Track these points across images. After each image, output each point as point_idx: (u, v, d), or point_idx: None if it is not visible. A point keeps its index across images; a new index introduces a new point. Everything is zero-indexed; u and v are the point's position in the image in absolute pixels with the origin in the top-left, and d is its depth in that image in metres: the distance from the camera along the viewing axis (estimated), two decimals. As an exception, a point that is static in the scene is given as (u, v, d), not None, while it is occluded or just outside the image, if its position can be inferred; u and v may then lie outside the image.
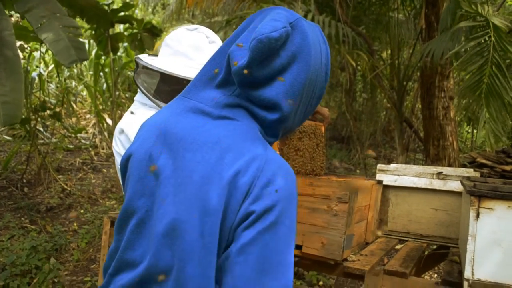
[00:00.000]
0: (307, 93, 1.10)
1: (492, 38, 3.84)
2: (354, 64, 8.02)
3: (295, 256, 2.04)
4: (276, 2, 6.95)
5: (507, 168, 8.19)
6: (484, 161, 8.46)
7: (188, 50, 1.72)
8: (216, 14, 10.69)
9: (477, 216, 1.70)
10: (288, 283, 0.93)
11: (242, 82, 1.03)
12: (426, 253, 2.43)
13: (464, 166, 7.43)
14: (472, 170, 2.69)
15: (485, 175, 7.71)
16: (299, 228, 1.98)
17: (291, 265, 0.95)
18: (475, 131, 9.47)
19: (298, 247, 2.00)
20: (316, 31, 1.15)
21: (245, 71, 1.00)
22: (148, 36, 7.09)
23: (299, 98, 1.08)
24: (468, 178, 2.35)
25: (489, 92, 3.75)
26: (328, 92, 13.46)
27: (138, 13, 13.47)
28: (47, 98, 8.02)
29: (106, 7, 6.53)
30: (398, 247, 3.32)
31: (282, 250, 0.93)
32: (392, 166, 2.66)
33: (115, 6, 7.94)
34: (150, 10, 14.56)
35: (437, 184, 2.54)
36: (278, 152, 2.07)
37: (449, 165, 6.33)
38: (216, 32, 8.17)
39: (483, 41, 3.94)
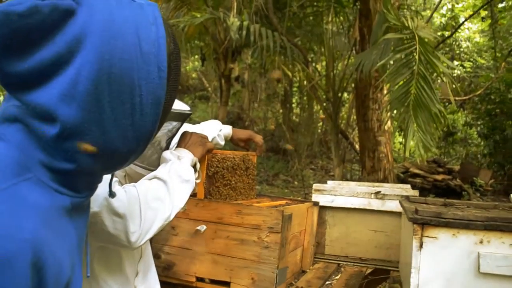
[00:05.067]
0: (112, 94, 0.78)
1: (418, 51, 3.82)
2: (290, 74, 7.96)
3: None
4: (209, 11, 6.74)
5: (439, 177, 8.40)
6: (417, 171, 8.66)
7: None
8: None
9: (420, 246, 1.54)
10: None
11: (2, 82, 0.77)
12: (366, 280, 2.26)
13: (398, 176, 7.53)
14: (409, 186, 2.57)
15: (418, 185, 7.83)
16: (226, 262, 1.74)
17: None
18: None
19: (226, 283, 1.75)
20: (134, 8, 0.81)
21: None
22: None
23: (91, 103, 0.76)
24: (407, 198, 2.21)
25: (417, 103, 3.73)
26: (266, 104, 13.44)
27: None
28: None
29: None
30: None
31: None
32: (329, 185, 2.50)
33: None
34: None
35: (375, 204, 2.40)
36: (202, 181, 1.83)
37: (385, 177, 6.35)
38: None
39: (409, 53, 3.93)
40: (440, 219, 1.54)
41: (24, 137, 0.78)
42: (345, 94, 10.18)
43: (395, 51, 4.03)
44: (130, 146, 0.84)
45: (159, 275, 1.78)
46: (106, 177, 1.32)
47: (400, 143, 10.89)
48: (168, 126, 1.63)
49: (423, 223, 1.55)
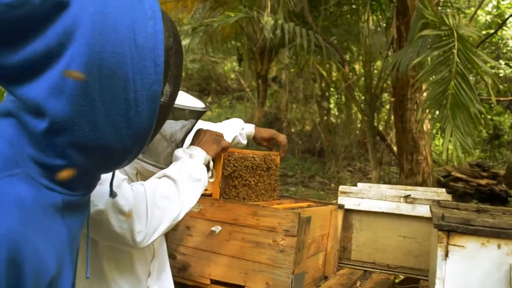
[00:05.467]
0: (104, 89, 0.75)
1: (456, 48, 3.63)
2: (325, 74, 7.82)
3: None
4: (243, 10, 6.71)
5: (482, 182, 8.04)
6: (459, 175, 8.31)
7: None
8: (185, 23, 10.42)
9: (446, 255, 1.43)
10: None
11: None
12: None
13: (438, 180, 7.26)
14: (444, 190, 2.43)
15: (460, 189, 7.51)
16: (241, 265, 1.68)
17: None
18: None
19: (240, 287, 1.69)
20: (131, 1, 0.78)
21: None
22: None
23: (81, 97, 0.73)
24: (438, 202, 2.08)
25: (455, 103, 3.54)
26: (304, 104, 13.30)
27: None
28: None
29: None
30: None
31: None
32: (355, 188, 2.39)
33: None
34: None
35: (404, 208, 2.27)
36: (218, 181, 1.78)
37: (423, 180, 6.12)
38: (181, 40, 7.89)
39: (447, 50, 3.75)
40: (468, 226, 1.42)
41: (16, 132, 0.76)
42: (385, 95, 9.93)
43: (432, 48, 3.85)
44: (126, 144, 0.80)
45: (174, 275, 1.74)
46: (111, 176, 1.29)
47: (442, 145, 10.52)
48: (182, 123, 1.58)
49: (449, 230, 1.43)
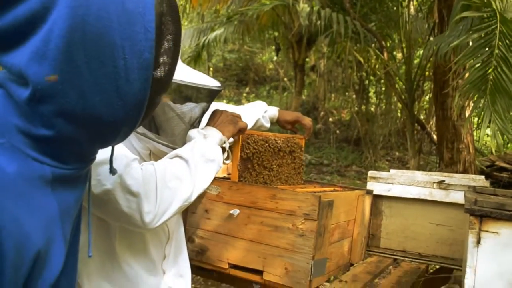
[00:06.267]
0: (89, 54, 0.70)
1: (498, 29, 3.41)
2: (362, 60, 7.61)
3: (256, 283, 1.68)
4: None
5: (529, 172, 7.58)
6: (503, 164, 7.95)
7: None
8: (223, 14, 10.38)
9: (478, 241, 1.31)
10: None
11: None
12: (423, 278, 2.03)
13: (481, 170, 6.96)
14: (482, 177, 2.28)
15: (504, 180, 7.19)
16: (259, 249, 1.62)
17: None
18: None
19: (259, 272, 1.63)
20: None
21: None
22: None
23: (65, 63, 0.69)
24: (474, 188, 1.95)
25: (495, 88, 3.32)
26: (342, 93, 13.06)
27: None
28: None
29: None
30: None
31: None
32: (386, 173, 2.27)
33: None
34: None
35: (438, 194, 2.14)
36: (236, 163, 1.72)
37: (464, 170, 5.87)
38: (216, 30, 7.86)
39: (489, 32, 3.52)
40: (503, 211, 1.30)
41: (2, 102, 0.74)
42: (426, 83, 9.60)
43: (472, 30, 3.63)
44: (117, 115, 0.76)
45: (192, 259, 1.70)
46: (122, 154, 1.25)
47: (487, 134, 10.09)
48: (196, 103, 1.53)
49: (481, 215, 1.32)
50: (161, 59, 0.86)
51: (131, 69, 0.74)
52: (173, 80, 1.31)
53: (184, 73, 1.38)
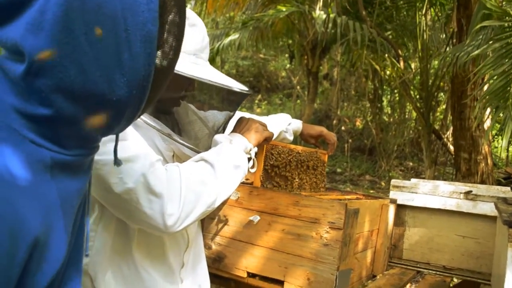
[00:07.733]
0: (88, 25, 0.65)
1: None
2: (379, 69, 7.53)
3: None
4: (295, 4, 6.55)
5: (547, 185, 7.44)
6: (520, 177, 7.76)
7: None
8: (237, 21, 10.39)
9: (517, 255, 1.23)
10: None
11: None
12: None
13: (498, 182, 6.82)
14: (509, 189, 2.19)
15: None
16: (281, 258, 1.55)
17: None
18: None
19: (279, 282, 1.56)
20: None
21: None
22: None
23: (62, 33, 0.64)
24: (505, 199, 1.86)
25: (519, 98, 3.23)
26: (355, 102, 12.97)
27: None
28: None
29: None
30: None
31: None
32: (409, 182, 2.20)
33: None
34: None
35: (465, 205, 2.06)
36: (259, 172, 1.65)
37: (482, 181, 5.74)
38: (231, 34, 7.82)
39: (510, 42, 3.43)
40: (545, 223, 1.22)
41: None
42: (441, 94, 9.49)
43: (493, 39, 3.55)
44: (120, 93, 0.71)
45: (208, 266, 1.63)
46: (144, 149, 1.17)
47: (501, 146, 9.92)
48: (223, 106, 1.49)
49: (521, 227, 1.24)
50: (165, 35, 0.80)
51: (134, 41, 0.69)
52: (203, 80, 1.25)
53: (214, 74, 1.33)
